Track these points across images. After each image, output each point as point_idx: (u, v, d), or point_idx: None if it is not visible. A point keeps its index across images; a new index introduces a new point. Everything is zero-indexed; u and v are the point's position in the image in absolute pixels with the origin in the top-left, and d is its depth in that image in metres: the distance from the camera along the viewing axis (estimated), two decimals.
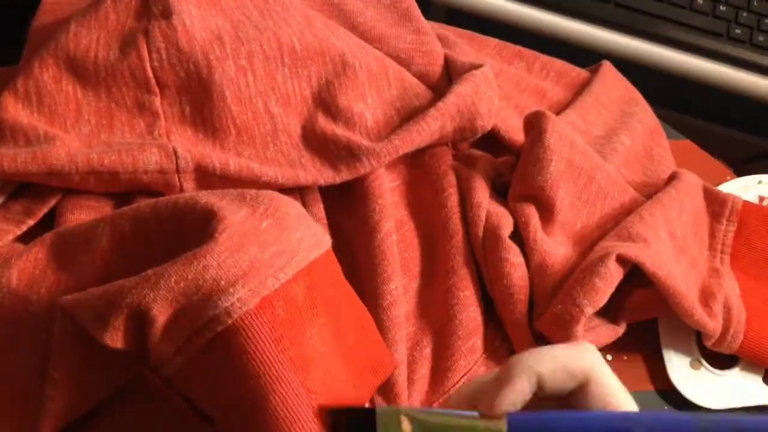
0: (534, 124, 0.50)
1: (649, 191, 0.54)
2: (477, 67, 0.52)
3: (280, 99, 0.48)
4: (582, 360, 0.29)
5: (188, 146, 0.46)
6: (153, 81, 0.46)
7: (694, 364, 0.50)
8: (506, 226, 0.49)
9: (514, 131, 0.55)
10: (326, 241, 0.37)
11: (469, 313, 0.47)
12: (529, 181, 0.49)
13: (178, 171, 0.45)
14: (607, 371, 0.30)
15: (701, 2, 0.72)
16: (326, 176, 0.48)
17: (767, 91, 0.72)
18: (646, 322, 0.51)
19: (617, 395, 0.29)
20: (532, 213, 0.49)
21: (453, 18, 0.69)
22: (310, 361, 0.33)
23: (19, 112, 0.45)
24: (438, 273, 0.49)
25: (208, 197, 0.36)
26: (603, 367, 0.30)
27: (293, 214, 0.36)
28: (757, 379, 0.50)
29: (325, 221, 0.48)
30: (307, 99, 0.49)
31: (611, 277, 0.45)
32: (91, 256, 0.37)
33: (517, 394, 0.29)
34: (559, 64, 0.64)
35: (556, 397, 0.30)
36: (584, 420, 0.28)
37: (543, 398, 0.30)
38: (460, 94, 0.50)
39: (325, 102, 0.49)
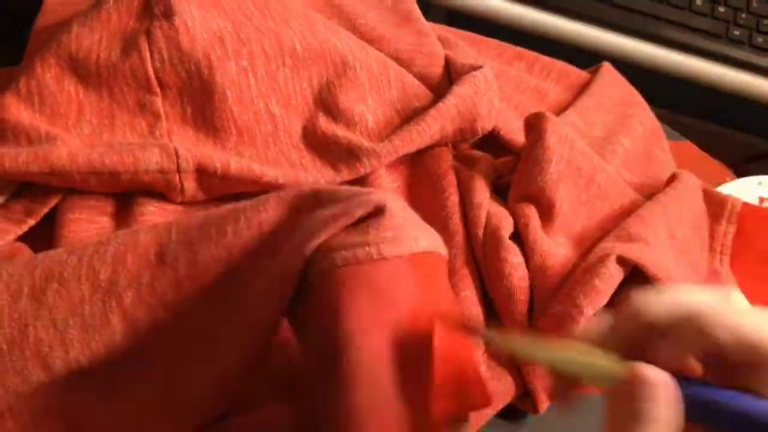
0: (534, 125, 0.50)
1: (649, 192, 0.54)
2: (477, 68, 0.52)
3: (281, 99, 0.49)
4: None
5: (189, 146, 0.46)
6: (154, 81, 0.46)
7: None
8: (506, 226, 0.49)
9: (515, 132, 0.55)
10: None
11: (471, 313, 0.47)
12: (529, 181, 0.49)
13: (178, 171, 0.45)
14: None
15: (700, 3, 0.72)
16: (327, 177, 0.48)
17: (766, 92, 0.72)
18: None
19: None
20: (532, 214, 0.49)
21: (453, 19, 0.69)
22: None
23: (21, 112, 0.45)
24: None
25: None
26: None
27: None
28: None
29: None
30: (308, 100, 0.49)
31: (611, 278, 0.45)
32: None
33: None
34: (559, 65, 0.64)
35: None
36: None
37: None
38: (460, 95, 0.50)
39: (326, 103, 0.49)
